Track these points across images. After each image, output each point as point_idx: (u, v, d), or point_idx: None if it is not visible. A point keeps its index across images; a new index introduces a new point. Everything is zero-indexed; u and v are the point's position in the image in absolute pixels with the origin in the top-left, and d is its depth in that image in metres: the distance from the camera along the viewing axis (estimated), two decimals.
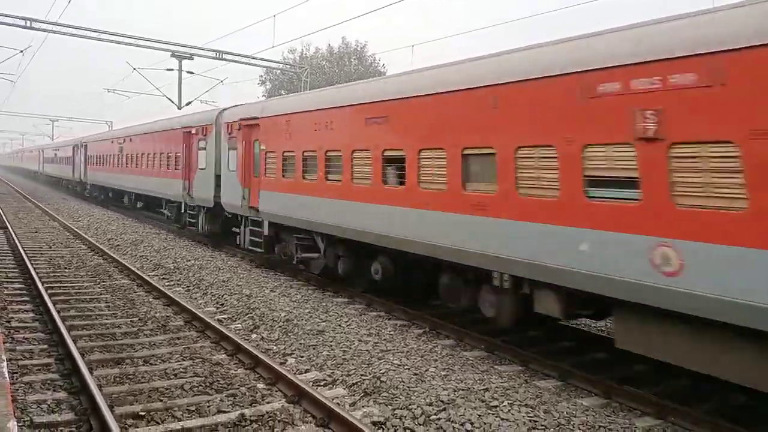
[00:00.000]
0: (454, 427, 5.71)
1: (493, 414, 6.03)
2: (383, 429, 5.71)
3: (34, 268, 12.74)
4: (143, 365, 7.43)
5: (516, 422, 5.85)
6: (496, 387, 6.79)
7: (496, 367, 7.64)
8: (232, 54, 29.44)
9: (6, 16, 23.05)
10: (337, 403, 6.09)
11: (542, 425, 5.82)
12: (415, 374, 7.13)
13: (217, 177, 16.25)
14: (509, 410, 6.12)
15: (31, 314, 9.59)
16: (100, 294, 11.32)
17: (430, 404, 6.20)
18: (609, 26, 6.66)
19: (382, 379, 6.92)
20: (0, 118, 75.10)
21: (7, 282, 11.87)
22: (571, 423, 5.90)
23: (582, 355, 8.03)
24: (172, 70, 29.59)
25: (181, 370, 7.26)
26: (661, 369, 7.27)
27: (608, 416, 6.15)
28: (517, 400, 6.38)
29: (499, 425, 5.77)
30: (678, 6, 6.65)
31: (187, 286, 12.30)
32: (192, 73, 30.06)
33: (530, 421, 5.90)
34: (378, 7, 18.71)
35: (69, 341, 7.72)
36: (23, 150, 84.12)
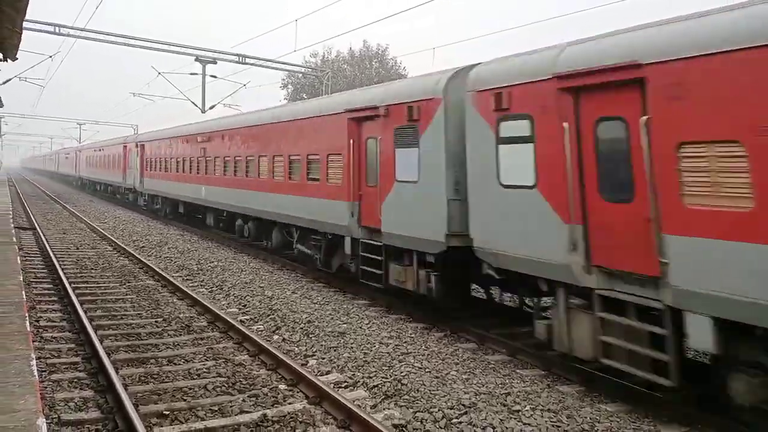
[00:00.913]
0: (475, 431, 5.67)
1: (515, 418, 5.98)
2: None
3: (62, 269, 13.02)
4: (167, 365, 7.53)
5: (538, 427, 5.79)
6: (518, 391, 6.74)
7: (518, 371, 7.57)
8: (254, 58, 29.75)
9: (35, 22, 23.62)
10: (358, 405, 6.10)
11: (565, 430, 5.76)
12: (436, 377, 7.11)
13: None
14: (531, 415, 6.06)
15: (59, 314, 9.80)
16: (126, 294, 11.51)
17: (452, 407, 6.17)
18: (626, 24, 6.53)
19: (403, 381, 6.92)
20: (30, 122, 76.63)
21: (36, 282, 12.14)
22: (595, 429, 5.82)
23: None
24: (195, 74, 30.00)
25: (205, 370, 7.35)
26: (687, 375, 7.13)
27: (633, 422, 6.06)
28: (539, 405, 6.32)
29: (521, 430, 5.72)
30: (693, 4, 6.52)
31: (211, 288, 12.44)
32: (215, 77, 30.43)
33: (553, 426, 5.84)
34: (399, 11, 18.75)
35: (95, 340, 7.87)
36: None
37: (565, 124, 6.74)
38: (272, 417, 5.91)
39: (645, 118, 5.92)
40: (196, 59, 28.79)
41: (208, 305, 10.23)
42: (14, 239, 15.22)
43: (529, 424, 5.85)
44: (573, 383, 7.17)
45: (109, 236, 19.36)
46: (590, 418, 6.04)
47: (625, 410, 6.38)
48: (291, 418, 5.94)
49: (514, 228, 7.59)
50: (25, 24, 10.19)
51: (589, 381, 7.08)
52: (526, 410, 6.17)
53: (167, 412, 5.99)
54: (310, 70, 39.56)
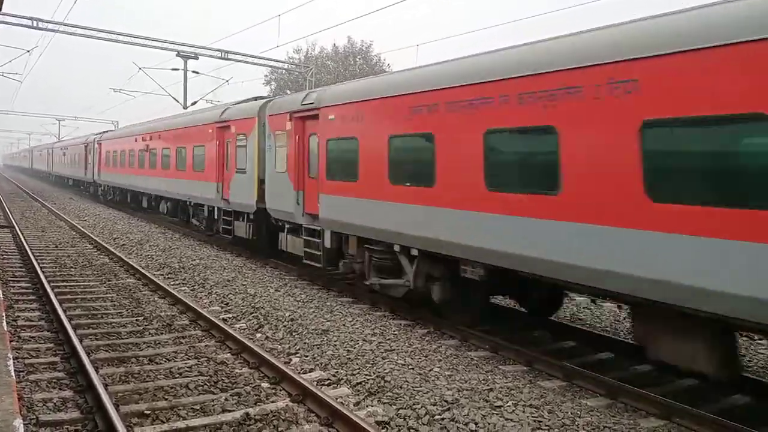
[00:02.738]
0: (458, 427, 5.71)
1: (497, 414, 6.02)
2: (387, 428, 5.72)
3: (41, 267, 12.82)
4: (148, 364, 7.46)
5: (520, 422, 5.84)
6: (501, 387, 6.79)
7: (500, 367, 7.63)
8: (237, 54, 29.51)
9: (12, 16, 23.18)
10: (341, 403, 6.10)
11: (547, 425, 5.81)
12: (420, 374, 7.14)
13: None
14: (513, 410, 6.11)
15: (38, 313, 9.65)
16: (106, 293, 11.37)
17: (434, 404, 6.20)
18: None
19: (386, 378, 6.93)
20: (7, 118, 74.98)
21: (14, 281, 11.94)
22: (576, 423, 5.88)
23: (586, 356, 8.01)
24: (177, 69, 29.66)
25: (186, 369, 7.29)
26: (666, 369, 7.25)
27: (613, 417, 6.13)
28: (521, 401, 6.38)
29: (503, 425, 5.77)
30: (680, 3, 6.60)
31: (193, 286, 12.34)
32: (197, 72, 30.12)
33: (534, 421, 5.89)
34: (382, 6, 18.69)
35: (75, 340, 7.76)
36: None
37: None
38: (255, 415, 5.89)
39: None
40: (178, 54, 28.47)
41: (190, 303, 10.15)
42: None
43: (511, 420, 5.89)
44: (555, 378, 7.24)
45: (89, 234, 19.11)
46: (571, 413, 6.11)
47: (605, 405, 6.47)
48: (274, 416, 5.92)
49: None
50: (1, 17, 10.00)
51: (570, 376, 7.17)
52: (508, 406, 6.22)
53: (148, 412, 5.93)
54: (293, 66, 39.36)
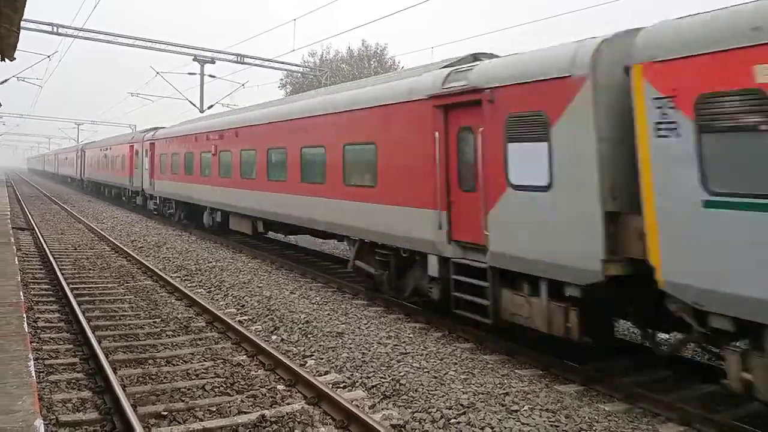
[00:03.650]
0: (473, 431, 5.68)
1: (513, 418, 5.98)
2: None
3: (60, 269, 13.00)
4: (165, 365, 7.52)
5: (537, 427, 5.79)
6: (517, 391, 6.74)
7: (516, 370, 7.57)
8: (252, 57, 29.76)
9: (33, 22, 23.60)
10: (357, 406, 6.10)
11: (564, 430, 5.76)
12: (435, 377, 7.11)
13: None
14: (530, 415, 6.07)
15: (57, 314, 9.79)
16: (124, 295, 11.50)
17: (450, 408, 6.18)
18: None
19: (401, 381, 6.92)
20: (28, 122, 76.30)
21: (34, 283, 12.12)
22: (593, 428, 5.82)
23: (603, 360, 7.91)
24: (194, 74, 29.99)
25: (203, 370, 7.34)
26: (685, 374, 7.15)
27: (631, 422, 6.06)
28: (537, 405, 6.32)
29: (519, 430, 5.72)
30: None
31: (209, 288, 12.43)
32: (214, 76, 30.43)
33: (551, 426, 5.84)
34: (398, 10, 18.76)
35: (93, 341, 7.86)
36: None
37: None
38: (270, 417, 5.91)
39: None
40: (195, 59, 28.79)
41: (207, 305, 10.22)
42: (12, 240, 15.20)
43: (527, 424, 5.85)
44: (571, 383, 7.17)
45: (108, 236, 19.35)
46: (588, 418, 6.05)
47: (623, 410, 6.38)
48: (289, 418, 5.93)
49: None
50: (22, 23, 10.19)
51: (588, 380, 7.09)
52: (525, 410, 6.17)
53: (165, 413, 5.99)
54: (308, 69, 39.57)
